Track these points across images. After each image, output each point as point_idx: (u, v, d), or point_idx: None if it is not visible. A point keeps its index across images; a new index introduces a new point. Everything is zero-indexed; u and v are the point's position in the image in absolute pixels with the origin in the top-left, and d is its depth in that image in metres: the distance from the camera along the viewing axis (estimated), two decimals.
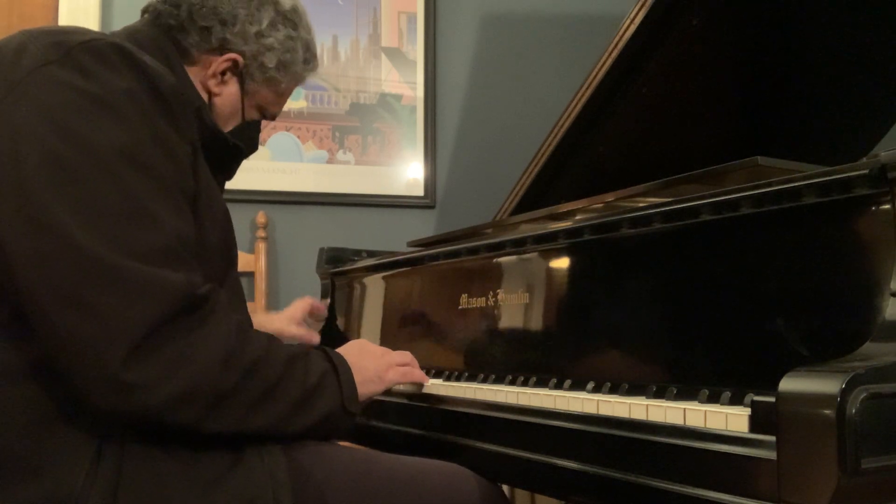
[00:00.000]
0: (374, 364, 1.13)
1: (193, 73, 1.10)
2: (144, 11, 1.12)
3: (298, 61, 1.19)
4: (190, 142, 0.93)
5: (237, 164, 1.19)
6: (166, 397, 0.81)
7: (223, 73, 1.12)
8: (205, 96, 1.11)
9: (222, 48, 1.10)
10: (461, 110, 2.61)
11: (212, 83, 1.11)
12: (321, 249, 1.87)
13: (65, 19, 2.29)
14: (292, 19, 1.17)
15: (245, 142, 1.17)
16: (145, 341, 0.79)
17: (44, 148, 0.80)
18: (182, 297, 0.83)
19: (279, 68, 1.15)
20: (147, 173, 0.84)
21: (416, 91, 2.57)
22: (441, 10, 2.60)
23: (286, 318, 1.49)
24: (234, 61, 1.11)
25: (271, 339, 0.96)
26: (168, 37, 1.08)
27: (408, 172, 2.56)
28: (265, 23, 1.13)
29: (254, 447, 0.92)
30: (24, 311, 0.82)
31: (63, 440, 0.83)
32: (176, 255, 0.85)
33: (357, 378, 1.04)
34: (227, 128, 1.14)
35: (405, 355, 1.21)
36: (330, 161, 2.50)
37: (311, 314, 1.55)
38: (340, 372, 1.01)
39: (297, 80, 1.22)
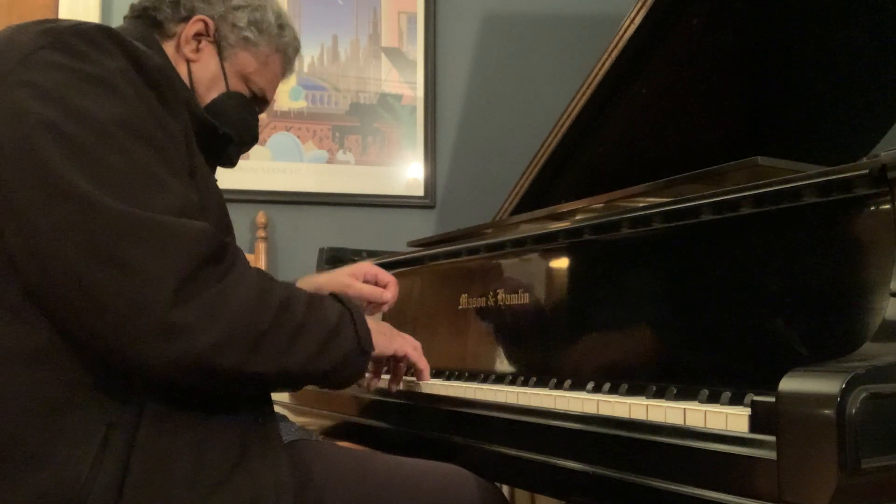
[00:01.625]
0: (386, 328, 1.16)
1: (171, 48, 1.13)
2: (125, 17, 1.17)
3: (271, 23, 1.19)
4: (180, 121, 0.94)
5: (234, 153, 1.19)
6: (212, 340, 0.82)
7: (197, 40, 1.14)
8: (183, 66, 1.12)
9: (191, 15, 1.13)
10: (461, 110, 2.61)
11: (187, 50, 1.13)
12: (321, 249, 1.86)
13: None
14: None
15: (240, 128, 1.17)
16: (185, 285, 0.80)
17: (49, 125, 0.82)
18: (209, 242, 0.84)
19: (252, 28, 1.17)
20: (149, 143, 0.86)
21: (416, 91, 2.56)
22: (441, 10, 2.60)
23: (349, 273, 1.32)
24: (204, 23, 1.14)
25: (290, 284, 0.99)
26: (145, 19, 1.13)
27: (408, 172, 2.56)
28: None
29: (258, 447, 0.92)
30: (45, 286, 0.82)
31: (70, 427, 0.82)
32: (191, 213, 0.87)
33: (369, 325, 1.06)
34: (210, 96, 1.14)
35: (415, 342, 1.22)
36: (330, 161, 2.50)
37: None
38: (355, 314, 1.02)
39: (278, 47, 1.21)
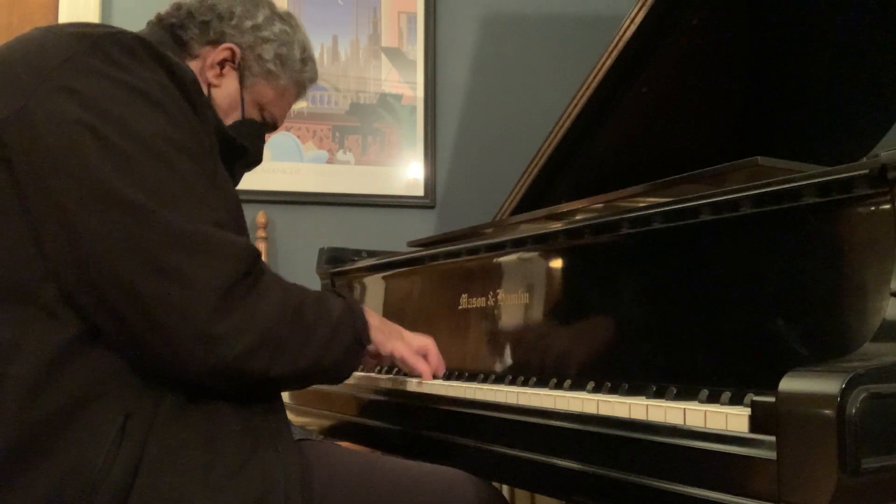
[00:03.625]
0: (390, 327, 1.18)
1: (194, 67, 1.12)
2: (150, 22, 1.18)
3: (296, 58, 1.21)
4: (208, 133, 0.96)
5: (241, 167, 1.21)
6: (244, 348, 0.86)
7: (222, 66, 1.15)
8: (204, 89, 1.13)
9: (220, 40, 1.15)
10: (461, 110, 2.61)
11: (210, 74, 1.14)
12: (321, 249, 1.87)
13: (64, 18, 2.29)
14: (287, 19, 1.22)
15: (252, 157, 1.20)
16: (226, 297, 0.85)
17: (95, 133, 0.83)
18: (248, 256, 0.89)
19: (276, 61, 1.18)
20: (190, 157, 0.89)
21: (416, 91, 2.57)
22: (441, 10, 2.60)
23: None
24: (231, 51, 1.15)
25: (300, 286, 1.02)
26: (170, 34, 1.14)
27: (408, 172, 2.56)
28: (261, 18, 1.18)
29: (269, 440, 0.93)
30: (89, 291, 0.83)
31: (89, 417, 0.84)
32: (229, 225, 0.91)
33: (371, 322, 1.10)
34: (227, 121, 1.16)
35: (426, 340, 1.23)
36: (330, 161, 2.50)
37: None
38: (354, 307, 1.06)
39: (297, 81, 1.24)
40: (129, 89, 0.86)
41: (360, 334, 1.05)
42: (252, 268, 0.90)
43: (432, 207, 2.57)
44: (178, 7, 1.16)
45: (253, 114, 1.20)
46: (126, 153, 0.84)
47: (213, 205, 0.90)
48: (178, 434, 0.86)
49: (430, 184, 2.55)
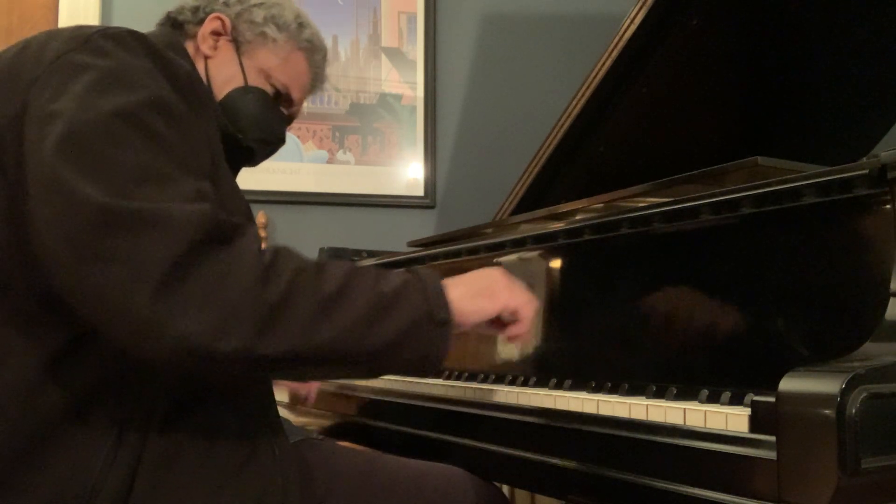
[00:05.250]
0: (489, 281, 0.97)
1: (192, 48, 1.14)
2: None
3: (290, 20, 1.19)
4: (205, 126, 0.93)
5: (259, 152, 1.19)
6: (205, 325, 0.75)
7: (215, 38, 1.14)
8: (201, 63, 1.13)
9: (210, 13, 1.15)
10: (461, 110, 2.61)
11: (204, 47, 1.14)
12: (321, 249, 1.87)
13: (65, 19, 2.30)
14: None
15: (260, 126, 1.16)
16: (170, 274, 0.75)
17: (57, 121, 0.81)
18: (202, 223, 0.78)
19: (269, 24, 1.17)
20: (152, 136, 0.82)
21: (416, 91, 2.56)
22: (441, 10, 2.60)
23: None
24: (220, 20, 1.15)
25: (335, 261, 0.89)
26: (169, 24, 1.16)
27: (408, 172, 2.56)
28: None
29: (267, 442, 0.92)
30: (53, 283, 0.80)
31: (85, 426, 0.83)
32: (199, 196, 0.81)
33: (457, 289, 0.90)
34: (224, 91, 1.14)
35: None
36: (330, 161, 2.50)
37: None
38: (424, 277, 0.88)
39: (298, 44, 1.20)
40: (104, 73, 0.84)
41: (437, 308, 0.86)
42: (216, 235, 0.78)
43: (432, 207, 2.57)
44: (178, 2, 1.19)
45: (258, 81, 1.17)
46: (76, 136, 0.79)
47: (176, 184, 0.80)
48: (174, 440, 0.85)
49: (430, 184, 2.55)
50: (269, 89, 1.18)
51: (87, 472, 0.81)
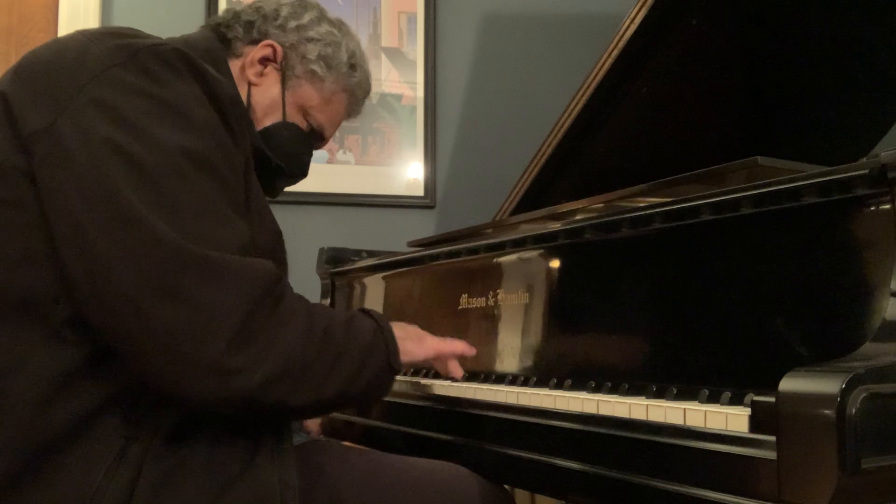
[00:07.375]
0: (414, 331, 1.15)
1: (236, 66, 1.12)
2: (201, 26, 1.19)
3: (342, 60, 1.17)
4: (243, 152, 0.94)
5: (280, 185, 1.20)
6: (263, 379, 0.82)
7: (263, 65, 1.13)
8: (244, 88, 1.11)
9: (263, 39, 1.13)
10: (461, 110, 2.61)
11: (251, 73, 1.12)
12: (321, 249, 1.86)
13: (65, 19, 2.29)
14: (337, 24, 1.19)
15: (290, 161, 1.17)
16: (243, 327, 0.81)
17: (118, 149, 0.81)
18: (268, 280, 0.85)
19: (321, 62, 1.15)
20: (214, 176, 0.86)
21: (416, 91, 2.56)
22: (441, 10, 2.60)
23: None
24: (273, 48, 1.13)
25: (328, 307, 1.00)
26: (216, 34, 1.13)
27: (408, 172, 2.56)
28: (307, 18, 1.16)
29: (267, 448, 0.92)
30: (101, 310, 0.81)
31: (90, 438, 0.83)
32: (250, 249, 0.87)
33: (397, 333, 1.04)
34: (264, 123, 1.13)
35: (454, 343, 1.21)
36: (330, 161, 2.50)
37: None
38: (385, 331, 1.02)
39: (344, 86, 1.20)
40: (159, 103, 0.84)
41: (393, 358, 1.01)
42: (271, 292, 0.85)
43: (432, 207, 2.56)
44: (226, 10, 1.17)
45: (295, 118, 1.16)
46: (147, 171, 0.81)
47: (235, 226, 0.86)
48: (178, 452, 0.85)
49: (430, 184, 2.55)
50: (304, 125, 1.18)
51: (87, 484, 0.81)
